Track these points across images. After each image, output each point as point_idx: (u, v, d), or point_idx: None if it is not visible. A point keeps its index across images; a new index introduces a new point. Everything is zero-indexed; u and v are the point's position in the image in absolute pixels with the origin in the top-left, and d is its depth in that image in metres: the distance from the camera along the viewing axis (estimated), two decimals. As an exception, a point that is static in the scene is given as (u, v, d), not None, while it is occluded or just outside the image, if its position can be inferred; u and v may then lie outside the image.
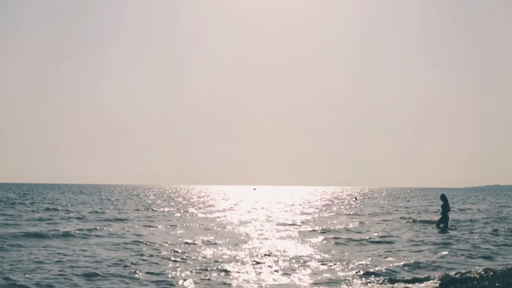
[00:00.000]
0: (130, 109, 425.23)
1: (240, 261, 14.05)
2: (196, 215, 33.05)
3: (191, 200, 61.48)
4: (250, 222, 26.95)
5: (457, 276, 11.92)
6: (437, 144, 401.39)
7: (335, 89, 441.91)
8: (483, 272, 12.29)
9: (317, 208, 43.96)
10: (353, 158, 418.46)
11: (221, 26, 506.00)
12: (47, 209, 36.04)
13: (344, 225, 25.51)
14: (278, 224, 25.83)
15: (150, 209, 38.39)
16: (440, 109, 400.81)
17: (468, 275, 11.98)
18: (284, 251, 15.92)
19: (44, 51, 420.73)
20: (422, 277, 12.14)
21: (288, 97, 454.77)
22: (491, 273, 12.04)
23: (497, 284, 10.46)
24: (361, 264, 13.82)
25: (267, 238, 19.44)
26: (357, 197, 79.47)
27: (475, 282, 10.93)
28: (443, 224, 24.22)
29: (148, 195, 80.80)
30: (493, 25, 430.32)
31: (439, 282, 11.33)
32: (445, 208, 24.03)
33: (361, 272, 12.54)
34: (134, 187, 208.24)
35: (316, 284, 11.38)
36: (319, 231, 22.51)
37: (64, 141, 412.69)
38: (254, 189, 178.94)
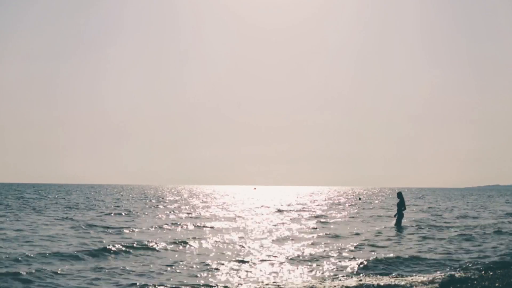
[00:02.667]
0: (130, 109, 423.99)
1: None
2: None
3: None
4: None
5: (457, 276, 11.94)
6: (437, 144, 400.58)
7: (335, 89, 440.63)
8: (483, 272, 12.33)
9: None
10: (353, 158, 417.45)
11: (221, 26, 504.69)
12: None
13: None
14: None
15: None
16: (440, 109, 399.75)
17: (468, 275, 12.01)
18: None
19: (44, 51, 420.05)
20: (421, 276, 12.16)
21: (288, 97, 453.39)
22: (491, 273, 12.07)
23: (497, 284, 10.46)
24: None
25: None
26: (361, 197, 79.43)
27: (475, 282, 10.94)
28: (397, 222, 24.31)
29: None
30: (493, 25, 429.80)
31: (439, 282, 11.34)
32: (400, 206, 24.13)
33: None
34: (134, 187, 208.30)
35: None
36: None
37: (64, 141, 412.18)
38: (254, 188, 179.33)
